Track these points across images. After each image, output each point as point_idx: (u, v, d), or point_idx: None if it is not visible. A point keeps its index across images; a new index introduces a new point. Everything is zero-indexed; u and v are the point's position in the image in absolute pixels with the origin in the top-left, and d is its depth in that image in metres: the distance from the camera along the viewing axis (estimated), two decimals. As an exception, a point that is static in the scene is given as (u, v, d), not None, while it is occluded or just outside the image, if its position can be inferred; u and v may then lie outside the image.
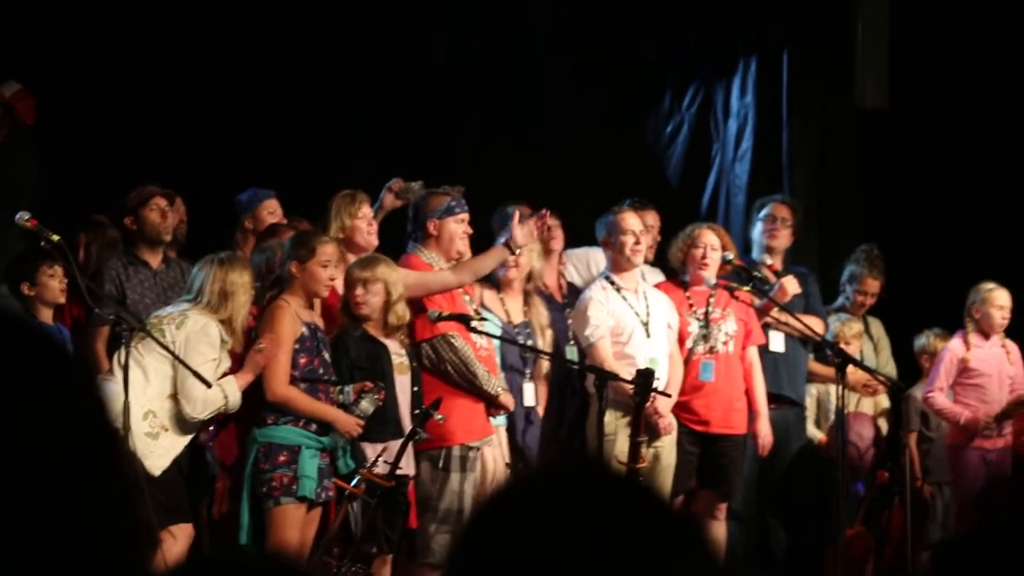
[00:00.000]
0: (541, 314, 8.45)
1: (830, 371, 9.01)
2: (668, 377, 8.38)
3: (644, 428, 7.67)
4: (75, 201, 9.00)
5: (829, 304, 9.85)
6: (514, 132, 10.84)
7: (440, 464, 7.58)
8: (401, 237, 8.09)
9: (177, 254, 8.32)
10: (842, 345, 8.95)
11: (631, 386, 7.44)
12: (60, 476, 1.49)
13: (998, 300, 9.36)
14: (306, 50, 10.28)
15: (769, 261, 9.38)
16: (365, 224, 8.02)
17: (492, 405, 7.80)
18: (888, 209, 10.93)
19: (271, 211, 8.49)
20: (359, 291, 7.39)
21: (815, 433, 9.49)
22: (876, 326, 9.96)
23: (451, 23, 11.00)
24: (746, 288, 8.67)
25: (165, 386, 7.08)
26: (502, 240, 8.01)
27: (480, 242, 8.26)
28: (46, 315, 7.58)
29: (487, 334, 7.81)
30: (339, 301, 7.55)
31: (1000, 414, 9.32)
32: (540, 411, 8.34)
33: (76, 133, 9.48)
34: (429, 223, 7.83)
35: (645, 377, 7.34)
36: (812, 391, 9.56)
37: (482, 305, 8.26)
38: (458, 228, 7.86)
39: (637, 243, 8.44)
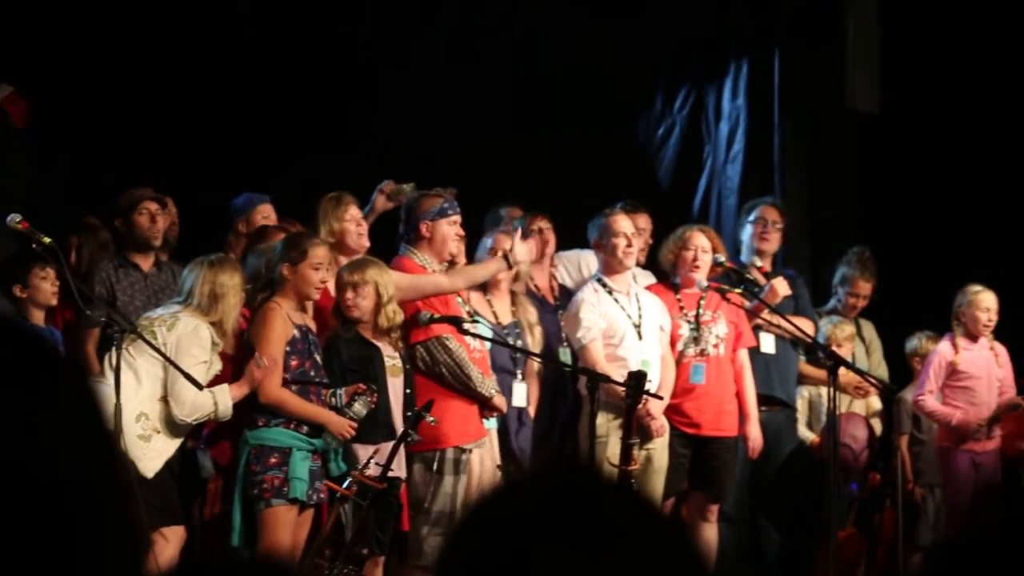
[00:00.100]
0: (528, 311, 8.45)
1: (821, 373, 9.02)
2: (660, 379, 8.38)
3: (636, 430, 7.67)
4: (67, 203, 8.99)
5: (821, 306, 9.86)
6: (514, 132, 10.83)
7: (434, 467, 7.58)
8: (393, 239, 8.09)
9: (169, 257, 8.31)
10: (834, 347, 8.96)
11: (623, 388, 7.45)
12: (54, 478, 1.49)
13: (984, 303, 9.37)
14: (306, 50, 10.27)
15: (759, 263, 9.39)
16: (354, 226, 8.01)
17: (485, 407, 7.80)
18: (879, 211, 10.94)
19: (265, 215, 8.48)
20: (349, 294, 7.39)
21: (807, 435, 9.49)
22: (868, 328, 9.97)
23: (451, 23, 11.00)
24: (737, 290, 8.68)
25: (157, 388, 7.07)
26: (489, 240, 8.07)
27: (479, 243, 8.31)
28: (38, 317, 7.57)
29: (479, 336, 7.82)
30: (332, 304, 7.55)
31: (991, 418, 9.33)
32: (531, 412, 8.34)
33: (69, 135, 9.47)
34: (422, 225, 7.83)
35: (637, 379, 7.35)
36: (804, 393, 9.57)
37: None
38: (451, 230, 7.86)
39: (629, 245, 8.45)
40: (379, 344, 7.43)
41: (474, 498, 1.56)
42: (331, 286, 7.51)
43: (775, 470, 9.27)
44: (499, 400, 7.84)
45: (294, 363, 7.19)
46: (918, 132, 10.95)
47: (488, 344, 7.98)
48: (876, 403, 9.79)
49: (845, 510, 9.48)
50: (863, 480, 9.65)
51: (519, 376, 8.28)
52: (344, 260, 7.75)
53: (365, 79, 10.65)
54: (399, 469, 7.33)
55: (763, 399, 9.00)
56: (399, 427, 7.30)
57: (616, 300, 8.41)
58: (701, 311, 8.69)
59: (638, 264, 8.83)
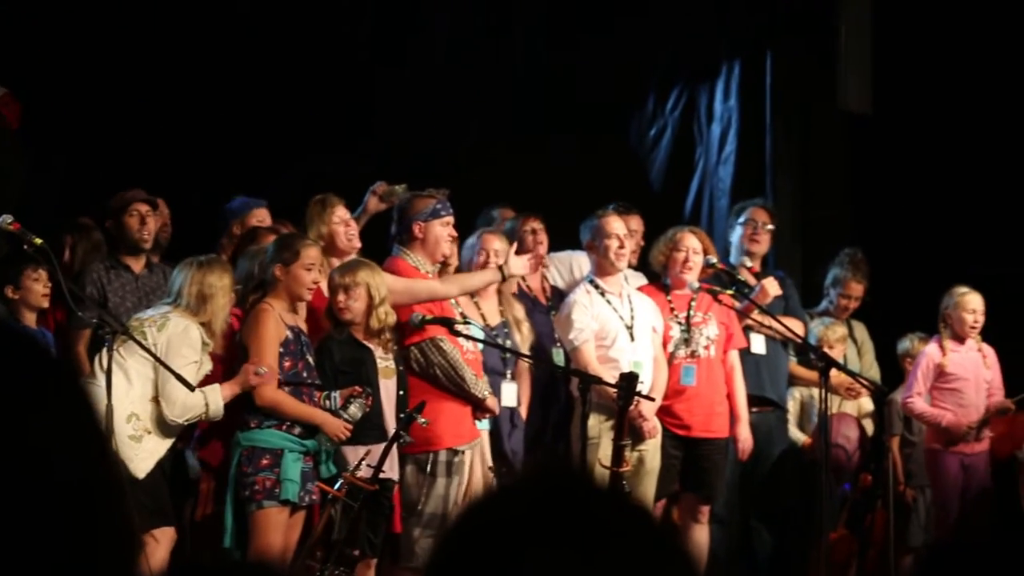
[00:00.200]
0: (515, 308, 8.44)
1: (813, 374, 9.02)
2: (652, 381, 8.38)
3: (628, 432, 7.67)
4: (61, 205, 8.98)
5: (813, 308, 9.87)
6: (514, 132, 10.84)
7: (427, 469, 7.58)
8: (386, 240, 8.08)
9: (161, 258, 8.30)
10: (826, 349, 8.97)
11: (615, 390, 7.45)
12: (47, 479, 1.49)
13: (970, 304, 9.36)
14: (305, 50, 10.27)
15: (749, 264, 9.40)
16: (343, 227, 7.99)
17: (478, 409, 7.80)
18: (872, 213, 10.95)
19: (260, 220, 8.47)
20: (341, 296, 7.39)
21: (798, 436, 9.50)
22: (860, 330, 9.97)
23: (451, 23, 11.00)
24: (729, 292, 8.68)
25: (148, 389, 7.06)
26: (473, 239, 8.07)
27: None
28: (29, 319, 7.57)
29: (471, 337, 7.82)
30: (325, 305, 7.55)
31: (981, 422, 9.33)
32: (523, 412, 8.33)
33: (63, 136, 9.45)
34: (415, 225, 7.83)
35: (629, 381, 7.36)
36: (795, 394, 9.58)
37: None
38: (444, 231, 7.86)
39: (621, 247, 8.45)
40: (371, 346, 7.43)
41: (465, 502, 1.56)
42: (324, 287, 7.50)
43: (766, 471, 9.28)
44: (492, 402, 7.84)
45: (287, 364, 7.19)
46: (911, 133, 10.96)
47: (480, 346, 7.99)
48: (867, 404, 9.80)
49: (837, 511, 9.49)
50: (854, 481, 9.66)
51: (508, 376, 8.28)
52: (336, 262, 7.75)
53: (365, 79, 10.65)
54: (391, 471, 7.33)
55: (754, 400, 9.01)
56: (391, 429, 7.30)
57: (608, 302, 8.42)
58: (692, 312, 8.70)
59: (629, 266, 8.83)
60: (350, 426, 7.17)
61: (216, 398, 7.06)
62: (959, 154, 10.83)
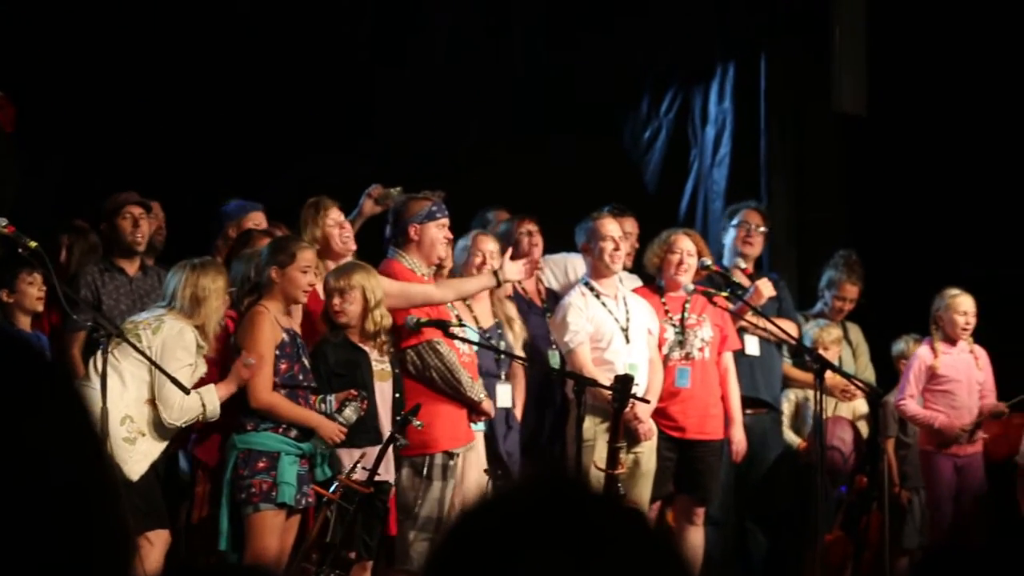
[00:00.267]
0: (507, 307, 8.44)
1: (807, 376, 9.03)
2: (648, 383, 8.38)
3: (623, 434, 7.68)
4: (56, 208, 8.97)
5: (808, 310, 9.87)
6: (514, 132, 10.84)
7: (424, 472, 7.57)
8: (381, 242, 8.08)
9: (155, 261, 8.29)
10: (821, 351, 8.97)
11: (610, 392, 7.45)
12: (42, 481, 1.49)
13: (961, 306, 9.35)
14: (305, 50, 10.27)
15: (743, 265, 9.41)
16: (337, 229, 7.97)
17: (474, 411, 7.80)
18: (866, 215, 10.95)
19: (256, 223, 8.46)
20: (336, 300, 7.39)
21: (793, 438, 9.50)
22: (855, 332, 9.98)
23: (451, 23, 11.00)
24: (723, 294, 8.68)
25: (142, 391, 7.06)
26: (465, 241, 8.10)
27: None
28: (24, 322, 7.57)
29: (466, 340, 7.82)
30: (321, 308, 7.54)
31: (974, 424, 9.33)
32: (517, 413, 8.33)
33: (58, 139, 9.45)
34: (410, 228, 7.82)
35: (624, 383, 7.36)
36: (790, 396, 9.58)
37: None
38: (439, 233, 7.85)
39: (616, 249, 8.45)
40: (367, 348, 7.43)
41: (461, 505, 1.56)
42: (320, 290, 7.50)
43: (761, 473, 9.28)
44: (487, 404, 7.84)
45: (283, 367, 7.19)
46: (905, 135, 10.97)
47: (475, 348, 7.98)
48: (862, 406, 9.80)
49: (832, 513, 9.49)
50: (850, 483, 9.66)
51: (503, 376, 8.28)
52: (331, 265, 7.74)
53: (365, 79, 10.65)
54: (387, 473, 7.33)
55: (748, 401, 9.01)
56: (386, 432, 7.30)
57: (604, 304, 8.42)
58: (686, 315, 8.70)
59: (624, 268, 8.83)
60: (345, 429, 7.17)
61: (212, 399, 7.06)
62: (954, 156, 10.84)
